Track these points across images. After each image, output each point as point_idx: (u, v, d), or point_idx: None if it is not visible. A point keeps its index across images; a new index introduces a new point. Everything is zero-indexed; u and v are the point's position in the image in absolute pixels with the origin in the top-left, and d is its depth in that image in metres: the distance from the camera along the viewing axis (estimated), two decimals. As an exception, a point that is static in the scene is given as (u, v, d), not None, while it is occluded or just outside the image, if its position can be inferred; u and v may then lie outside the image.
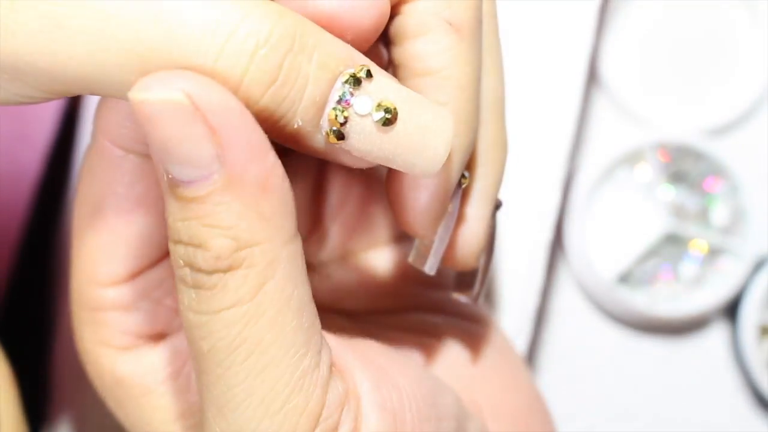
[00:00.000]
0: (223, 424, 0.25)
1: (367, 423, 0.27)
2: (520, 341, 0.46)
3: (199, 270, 0.24)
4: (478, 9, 0.28)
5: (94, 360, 0.30)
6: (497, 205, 0.32)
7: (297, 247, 0.25)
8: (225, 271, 0.24)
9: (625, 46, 0.54)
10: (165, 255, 0.30)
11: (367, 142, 0.25)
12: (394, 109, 0.25)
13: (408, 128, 0.25)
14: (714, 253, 0.52)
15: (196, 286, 0.24)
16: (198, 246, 0.24)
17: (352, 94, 0.25)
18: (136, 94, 0.22)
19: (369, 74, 0.25)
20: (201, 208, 0.23)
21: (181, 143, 0.23)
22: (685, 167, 0.53)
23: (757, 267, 0.52)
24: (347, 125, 0.25)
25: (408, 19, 0.27)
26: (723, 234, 0.52)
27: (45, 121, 0.45)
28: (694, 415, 0.53)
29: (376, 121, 0.25)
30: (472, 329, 0.34)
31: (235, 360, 0.24)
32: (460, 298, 0.33)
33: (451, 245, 0.30)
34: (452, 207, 0.30)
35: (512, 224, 0.47)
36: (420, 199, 0.28)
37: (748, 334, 0.51)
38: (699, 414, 0.53)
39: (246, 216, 0.23)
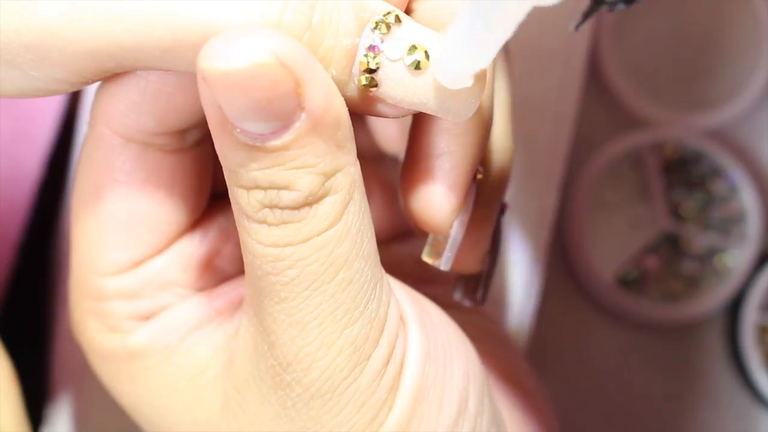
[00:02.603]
0: (303, 342, 0.26)
1: (410, 336, 0.28)
2: (520, 341, 0.46)
3: (285, 208, 0.25)
4: None
5: (99, 346, 0.30)
6: (502, 209, 0.32)
7: (359, 165, 0.26)
8: (314, 203, 0.25)
9: (625, 46, 0.54)
10: (168, 243, 0.30)
11: (400, 88, 0.25)
12: (426, 51, 0.25)
13: None
14: (714, 253, 0.52)
15: (283, 223, 0.25)
16: (283, 188, 0.24)
17: (382, 40, 0.25)
18: (217, 65, 0.22)
19: (397, 19, 0.25)
20: (285, 154, 0.24)
21: (271, 102, 0.23)
22: (685, 167, 0.53)
23: (757, 267, 0.52)
24: (379, 72, 0.25)
25: (422, 15, 0.27)
26: (723, 234, 0.52)
27: (45, 120, 0.45)
28: (694, 415, 0.53)
29: (408, 65, 0.25)
30: (473, 321, 0.34)
31: (325, 279, 0.25)
32: (464, 302, 0.33)
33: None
34: (467, 202, 0.30)
35: (512, 224, 0.47)
36: (441, 188, 0.29)
37: (747, 334, 0.51)
38: (698, 414, 0.53)
39: (329, 151, 0.24)
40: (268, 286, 0.26)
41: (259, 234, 0.25)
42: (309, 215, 0.25)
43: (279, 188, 0.24)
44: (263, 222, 0.25)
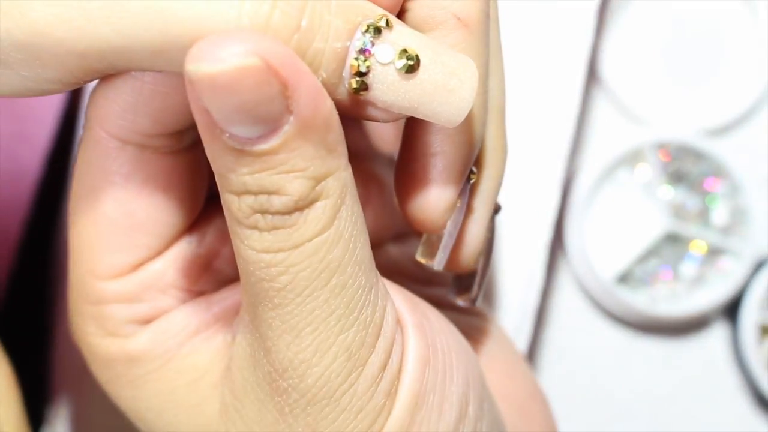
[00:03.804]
0: (298, 348, 0.26)
1: (408, 342, 0.28)
2: (520, 341, 0.46)
3: (276, 213, 0.25)
4: (486, 2, 0.28)
5: (98, 351, 0.30)
6: (496, 209, 0.32)
7: (350, 169, 0.26)
8: (304, 207, 0.25)
9: (625, 46, 0.54)
10: (166, 246, 0.30)
11: (390, 92, 0.25)
12: (416, 55, 0.25)
13: (432, 74, 0.25)
14: (714, 253, 0.52)
15: (274, 228, 0.25)
16: (273, 193, 0.24)
17: (372, 44, 0.25)
18: (203, 67, 0.22)
19: (388, 23, 0.25)
20: (273, 158, 0.24)
21: (258, 105, 0.23)
22: (685, 167, 0.53)
23: (757, 267, 0.52)
24: (370, 75, 0.25)
25: (416, 14, 0.27)
26: (723, 234, 0.52)
27: (45, 121, 0.45)
28: (694, 415, 0.53)
29: (399, 69, 0.25)
30: (472, 322, 0.34)
31: (318, 285, 0.25)
32: (459, 301, 0.33)
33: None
34: (461, 202, 0.30)
35: (512, 224, 0.47)
36: (435, 187, 0.29)
37: (748, 333, 0.51)
38: (699, 414, 0.53)
39: (318, 155, 0.24)
40: (262, 293, 0.26)
41: (251, 240, 0.25)
42: (300, 220, 0.25)
43: (269, 193, 0.24)
44: (254, 227, 0.25)
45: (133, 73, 0.26)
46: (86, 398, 0.44)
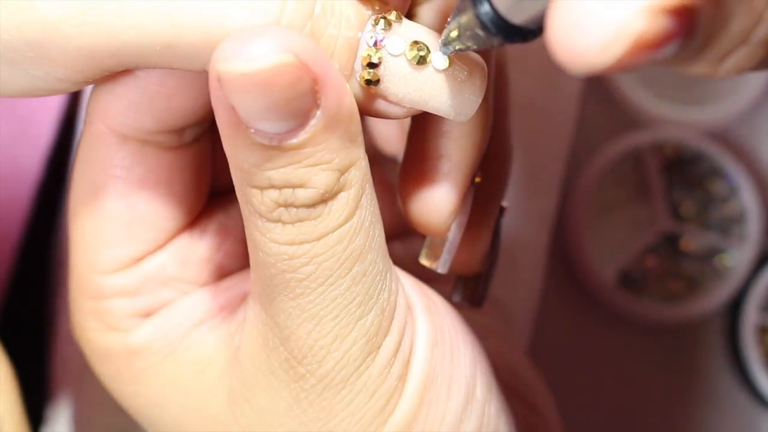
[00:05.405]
0: (319, 335, 0.26)
1: (418, 324, 0.28)
2: (520, 341, 0.46)
3: (301, 206, 0.25)
4: None
5: (99, 346, 0.30)
6: (501, 211, 0.32)
7: (367, 158, 0.26)
8: (329, 199, 0.25)
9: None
10: (167, 240, 0.29)
11: (402, 84, 0.25)
12: (427, 47, 0.25)
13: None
14: (714, 253, 0.52)
15: (298, 221, 0.25)
16: (298, 186, 0.24)
17: (383, 36, 0.25)
18: (236, 66, 0.22)
19: (398, 17, 0.25)
20: (300, 152, 0.24)
21: (289, 101, 0.23)
22: (685, 167, 0.53)
23: (757, 267, 0.52)
24: (381, 66, 0.25)
25: (423, 19, 0.27)
26: (723, 234, 0.52)
27: (45, 121, 0.45)
28: (694, 414, 0.53)
29: (410, 60, 0.25)
30: (473, 317, 0.34)
31: (340, 274, 0.26)
32: (463, 303, 0.33)
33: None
34: (465, 205, 0.30)
35: (512, 224, 0.47)
36: (439, 190, 0.29)
37: (747, 334, 0.51)
38: (698, 414, 0.53)
39: (343, 146, 0.24)
40: (282, 284, 0.26)
41: (274, 233, 0.25)
42: (324, 212, 0.25)
43: (294, 187, 0.24)
44: (278, 221, 0.25)
45: (138, 73, 0.26)
46: (86, 397, 0.44)
